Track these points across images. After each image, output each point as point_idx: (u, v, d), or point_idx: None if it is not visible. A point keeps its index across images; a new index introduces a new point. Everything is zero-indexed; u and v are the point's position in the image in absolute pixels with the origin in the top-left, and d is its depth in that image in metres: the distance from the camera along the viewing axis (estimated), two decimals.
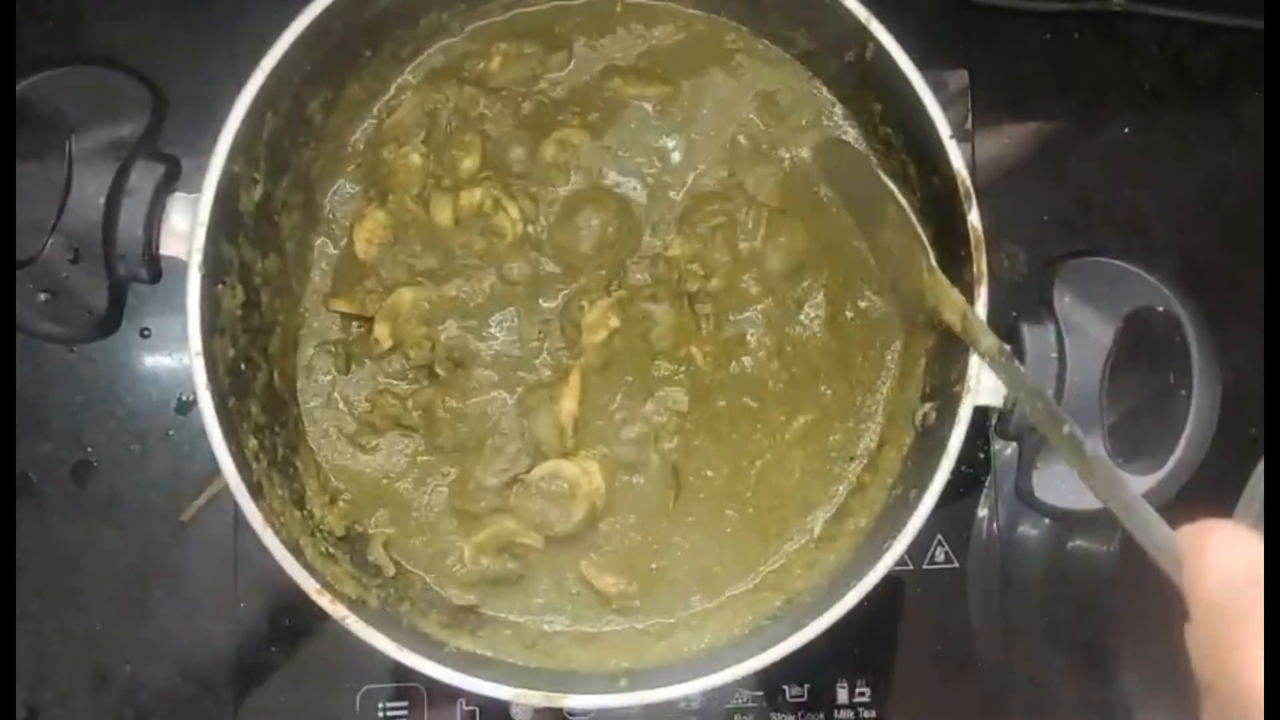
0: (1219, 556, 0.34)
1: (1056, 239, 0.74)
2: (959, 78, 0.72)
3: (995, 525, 0.71)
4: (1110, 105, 0.76)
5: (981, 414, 0.54)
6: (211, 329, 0.54)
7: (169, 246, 0.54)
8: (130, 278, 0.54)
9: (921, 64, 0.56)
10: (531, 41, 0.65)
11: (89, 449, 0.70)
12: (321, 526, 0.59)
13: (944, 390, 0.57)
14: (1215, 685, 0.32)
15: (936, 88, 0.56)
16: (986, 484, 0.71)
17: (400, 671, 0.53)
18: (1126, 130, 0.76)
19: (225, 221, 0.55)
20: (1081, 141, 0.76)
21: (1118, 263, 0.54)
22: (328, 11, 0.55)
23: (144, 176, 0.53)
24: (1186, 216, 0.75)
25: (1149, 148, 0.75)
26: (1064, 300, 0.54)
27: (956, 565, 0.70)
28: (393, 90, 0.65)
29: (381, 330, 0.62)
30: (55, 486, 0.69)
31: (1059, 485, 0.54)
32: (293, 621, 0.67)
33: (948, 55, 0.72)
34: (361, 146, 0.64)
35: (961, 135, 0.70)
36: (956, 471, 0.54)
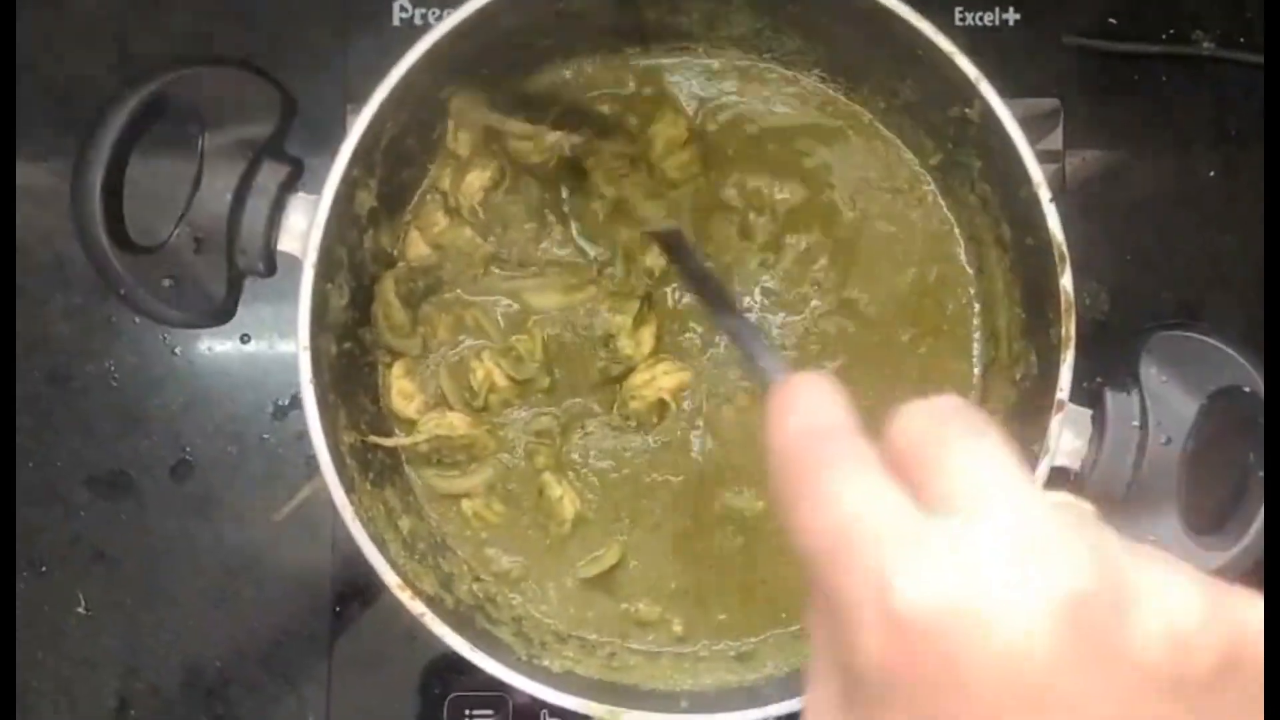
0: (800, 403, 0.31)
1: (1136, 278, 0.73)
2: (1050, 103, 0.72)
3: None
4: (1195, 149, 0.75)
5: (1059, 476, 0.55)
6: (319, 325, 0.56)
7: (286, 243, 0.56)
8: (248, 270, 0.56)
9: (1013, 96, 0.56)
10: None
11: (187, 449, 0.71)
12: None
13: (1021, 451, 0.57)
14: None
15: (1029, 115, 0.56)
16: None
17: (488, 681, 0.54)
18: (1212, 174, 0.75)
19: (340, 223, 0.57)
20: (1166, 182, 0.75)
21: (1208, 340, 0.54)
22: (452, 33, 0.57)
23: (269, 175, 0.56)
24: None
25: (1233, 192, 0.75)
26: (1150, 371, 0.54)
27: None
28: None
29: (415, 237, 0.64)
30: (154, 484, 0.71)
31: None
32: (385, 627, 0.68)
33: (1038, 94, 0.73)
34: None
35: (1049, 158, 0.71)
36: None
